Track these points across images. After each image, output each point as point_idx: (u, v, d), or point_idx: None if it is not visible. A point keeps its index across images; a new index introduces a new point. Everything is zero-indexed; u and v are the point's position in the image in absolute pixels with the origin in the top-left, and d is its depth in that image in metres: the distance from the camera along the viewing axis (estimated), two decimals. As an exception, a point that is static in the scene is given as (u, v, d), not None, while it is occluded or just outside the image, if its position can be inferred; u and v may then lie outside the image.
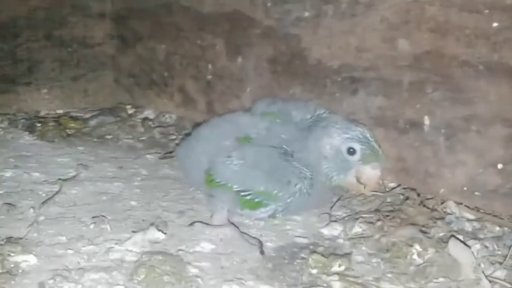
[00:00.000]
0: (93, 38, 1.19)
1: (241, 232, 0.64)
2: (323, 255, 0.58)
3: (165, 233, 0.61)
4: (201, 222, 0.66)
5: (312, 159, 0.67)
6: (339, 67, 0.77)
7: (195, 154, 0.74)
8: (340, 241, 0.64)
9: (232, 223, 0.66)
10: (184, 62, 1.05)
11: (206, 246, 0.61)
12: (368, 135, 0.65)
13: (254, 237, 0.64)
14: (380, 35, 0.72)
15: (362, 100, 0.75)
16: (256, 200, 0.67)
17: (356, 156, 0.65)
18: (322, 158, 0.67)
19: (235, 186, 0.67)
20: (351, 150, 0.65)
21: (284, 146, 0.68)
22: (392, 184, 0.78)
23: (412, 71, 0.69)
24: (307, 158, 0.67)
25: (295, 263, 0.58)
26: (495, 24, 0.61)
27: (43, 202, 0.69)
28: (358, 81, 0.75)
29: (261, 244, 0.62)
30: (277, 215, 0.68)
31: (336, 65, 0.78)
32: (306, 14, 0.80)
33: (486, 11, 0.61)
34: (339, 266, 0.57)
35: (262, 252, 0.60)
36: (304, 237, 0.65)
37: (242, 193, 0.67)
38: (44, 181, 0.77)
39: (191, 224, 0.66)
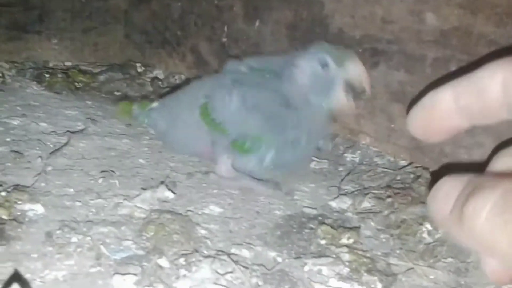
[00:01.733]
0: (107, -10, 1.16)
1: (254, 178, 0.66)
2: (332, 227, 0.58)
3: (174, 193, 0.60)
4: (217, 174, 0.67)
5: (299, 98, 0.65)
6: (361, 38, 0.75)
7: (177, 117, 0.72)
8: (349, 214, 0.64)
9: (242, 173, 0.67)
10: (199, 22, 1.02)
11: (214, 209, 0.60)
12: (326, 45, 0.66)
13: (268, 181, 0.66)
14: (407, 7, 0.69)
15: (382, 73, 0.73)
16: (248, 145, 0.65)
17: (332, 66, 0.64)
18: (306, 90, 0.65)
19: (230, 129, 0.65)
20: (323, 63, 0.64)
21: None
22: (403, 162, 0.77)
23: (438, 47, 0.67)
24: (295, 100, 0.65)
25: (303, 232, 0.57)
26: (529, 4, 0.59)
27: (51, 153, 0.68)
28: (380, 53, 0.73)
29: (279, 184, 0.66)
30: (265, 163, 0.66)
31: (358, 36, 0.75)
32: (332, -21, 0.77)
33: (522, -11, 0.59)
34: (348, 239, 0.56)
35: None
36: (312, 208, 0.64)
37: (234, 138, 0.65)
38: (52, 132, 0.76)
39: (206, 173, 0.67)
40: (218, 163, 0.67)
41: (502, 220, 0.21)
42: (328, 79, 0.64)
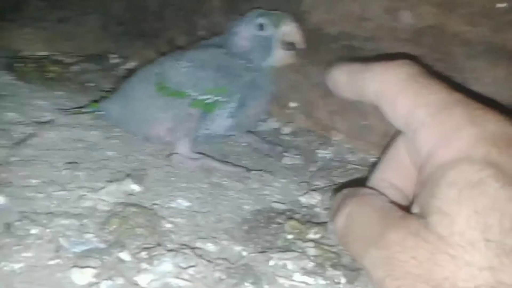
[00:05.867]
0: (84, -20, 1.13)
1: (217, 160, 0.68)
2: (300, 222, 0.57)
3: (141, 186, 0.59)
4: (179, 154, 0.67)
5: (243, 63, 0.70)
6: (338, 35, 0.75)
7: (136, 100, 0.72)
8: (318, 210, 0.63)
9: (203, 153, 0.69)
10: (177, 14, 1.01)
11: (182, 203, 0.59)
12: (261, 10, 0.71)
13: (231, 162, 0.69)
14: (384, 5, 0.69)
15: (356, 70, 0.73)
16: (209, 100, 0.68)
17: (268, 27, 0.69)
18: (248, 54, 0.70)
19: (187, 91, 0.67)
20: (260, 26, 0.69)
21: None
22: (374, 159, 0.77)
23: (412, 45, 0.67)
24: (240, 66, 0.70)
25: (270, 227, 0.57)
26: (501, 5, 0.59)
27: (16, 143, 0.66)
28: (357, 50, 0.73)
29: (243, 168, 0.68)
30: (235, 113, 0.69)
31: (335, 32, 0.75)
32: (310, -25, 0.77)
33: (495, -10, 0.59)
34: (315, 234, 0.56)
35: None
36: (281, 203, 0.64)
37: (193, 97, 0.68)
38: (19, 122, 0.74)
39: (169, 155, 0.67)
40: (179, 145, 0.68)
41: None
42: (266, 40, 0.69)
